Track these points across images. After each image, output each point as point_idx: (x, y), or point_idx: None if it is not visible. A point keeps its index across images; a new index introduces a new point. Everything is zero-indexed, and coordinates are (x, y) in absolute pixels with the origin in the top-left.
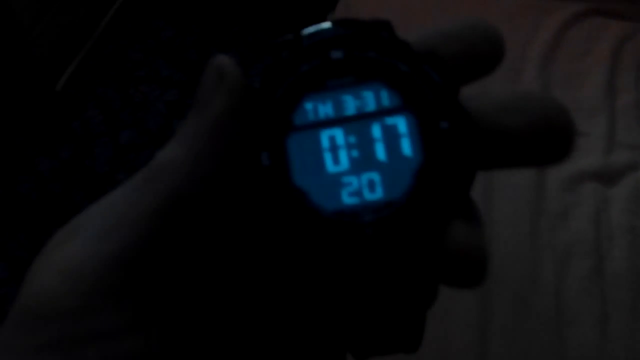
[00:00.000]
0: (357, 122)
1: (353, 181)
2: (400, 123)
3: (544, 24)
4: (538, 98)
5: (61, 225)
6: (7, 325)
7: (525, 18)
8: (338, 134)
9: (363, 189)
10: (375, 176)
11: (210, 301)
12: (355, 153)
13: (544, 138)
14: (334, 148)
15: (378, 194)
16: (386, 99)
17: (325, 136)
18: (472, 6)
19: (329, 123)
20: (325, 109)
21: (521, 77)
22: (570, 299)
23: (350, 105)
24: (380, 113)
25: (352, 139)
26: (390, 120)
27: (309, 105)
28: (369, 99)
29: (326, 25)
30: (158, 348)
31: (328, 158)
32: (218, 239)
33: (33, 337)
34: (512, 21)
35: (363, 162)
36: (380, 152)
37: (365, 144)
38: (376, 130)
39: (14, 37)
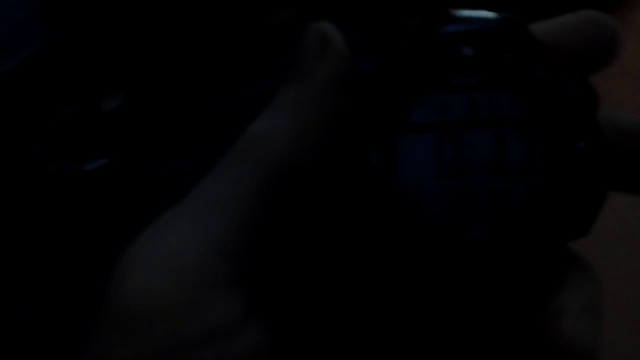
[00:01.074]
0: (477, 129)
1: (466, 195)
2: (526, 135)
3: None
4: None
5: None
6: (100, 333)
7: None
8: (455, 139)
9: (478, 204)
10: (491, 193)
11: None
12: (471, 162)
13: None
14: (448, 155)
15: (493, 212)
16: (515, 107)
17: (439, 140)
18: None
19: (449, 125)
20: (445, 110)
21: None
22: None
23: (472, 108)
24: (505, 122)
25: (471, 148)
26: (514, 130)
27: (426, 104)
28: (495, 105)
29: (461, 14)
30: (278, 339)
31: (441, 165)
32: (318, 224)
33: (138, 344)
34: None
35: (477, 174)
36: (499, 163)
37: (482, 154)
38: (497, 140)
39: None
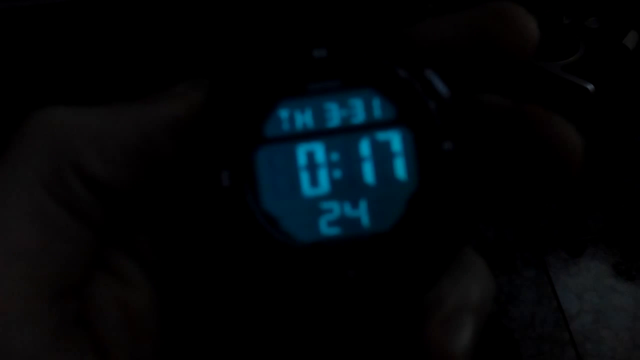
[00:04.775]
0: (342, 136)
1: (334, 207)
2: (395, 139)
3: None
4: None
5: None
6: None
7: None
8: (318, 149)
9: (346, 217)
10: (361, 203)
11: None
12: (338, 174)
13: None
14: (312, 166)
15: (364, 224)
16: (379, 109)
17: (302, 151)
18: None
19: (307, 136)
20: (304, 119)
21: None
22: None
23: (334, 115)
24: (371, 126)
25: (335, 157)
26: (382, 136)
27: (284, 113)
28: (358, 109)
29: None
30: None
31: (305, 178)
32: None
33: None
34: None
35: (347, 184)
36: (369, 173)
37: (350, 163)
38: (365, 147)
39: None
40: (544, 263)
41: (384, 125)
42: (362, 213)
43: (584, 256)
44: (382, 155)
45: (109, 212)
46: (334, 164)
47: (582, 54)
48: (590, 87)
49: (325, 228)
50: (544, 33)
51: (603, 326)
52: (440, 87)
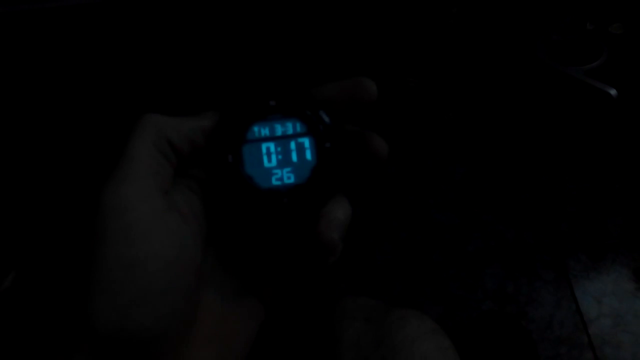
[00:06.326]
0: (282, 140)
1: (278, 172)
2: (306, 142)
3: None
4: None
5: None
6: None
7: None
8: (271, 145)
9: (283, 177)
10: (290, 170)
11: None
12: (280, 157)
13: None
14: (268, 153)
15: (291, 180)
16: (298, 128)
17: (264, 147)
18: None
19: (266, 139)
20: (265, 131)
21: None
22: None
23: (278, 130)
24: (295, 136)
25: (279, 149)
26: (300, 140)
27: (255, 129)
28: (289, 127)
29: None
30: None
31: (265, 159)
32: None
33: None
34: None
35: (284, 162)
36: (294, 157)
37: (285, 152)
38: (292, 145)
39: None
40: (564, 266)
41: (301, 135)
42: (291, 175)
43: (604, 260)
44: (300, 148)
45: (180, 164)
46: (278, 152)
47: (606, 59)
48: (613, 92)
49: (274, 181)
50: (568, 38)
51: (622, 330)
52: (326, 118)
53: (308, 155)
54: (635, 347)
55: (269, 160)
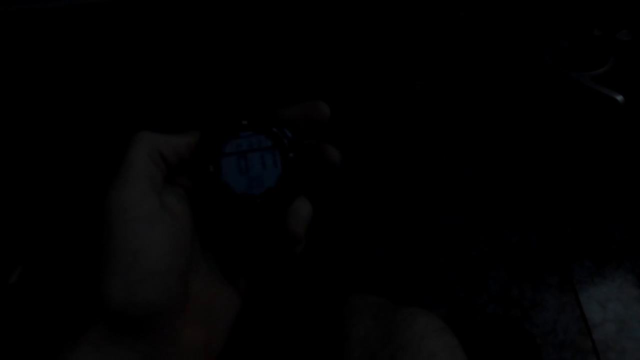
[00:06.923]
0: (253, 153)
1: (251, 179)
2: (273, 154)
3: None
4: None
5: None
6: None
7: None
8: (245, 157)
9: (256, 182)
10: (261, 177)
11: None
12: (252, 167)
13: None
14: (241, 165)
15: (262, 185)
16: (266, 142)
17: (239, 158)
18: None
19: (239, 153)
20: (239, 146)
21: None
22: None
23: (250, 144)
24: (263, 149)
25: (251, 160)
26: (268, 152)
27: (231, 144)
28: (259, 142)
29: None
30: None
31: (240, 168)
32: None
33: None
34: None
35: (255, 171)
36: (263, 166)
37: (255, 164)
38: (262, 156)
39: None
40: (569, 271)
41: (269, 148)
42: (261, 180)
43: (608, 266)
44: (268, 160)
45: (168, 173)
46: (250, 164)
47: (613, 66)
48: (620, 98)
49: (247, 188)
50: (576, 44)
51: (626, 336)
52: (289, 134)
53: (275, 164)
54: (639, 353)
55: (244, 169)
